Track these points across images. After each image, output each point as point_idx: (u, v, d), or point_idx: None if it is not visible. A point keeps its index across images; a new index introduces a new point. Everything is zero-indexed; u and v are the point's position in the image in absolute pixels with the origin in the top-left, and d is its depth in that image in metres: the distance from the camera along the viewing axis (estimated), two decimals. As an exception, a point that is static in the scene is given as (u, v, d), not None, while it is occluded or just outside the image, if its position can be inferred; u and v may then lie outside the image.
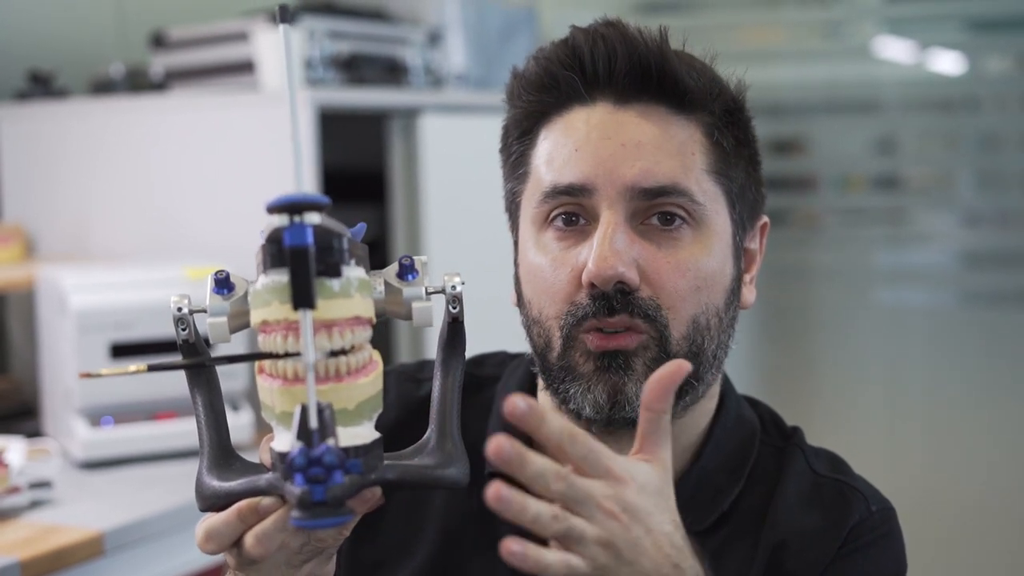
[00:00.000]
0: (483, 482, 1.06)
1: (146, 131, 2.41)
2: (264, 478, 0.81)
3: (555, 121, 1.03)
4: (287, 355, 0.77)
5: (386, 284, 0.84)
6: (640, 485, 0.78)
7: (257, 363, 0.80)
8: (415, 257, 0.85)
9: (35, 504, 1.79)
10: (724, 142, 1.02)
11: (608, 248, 0.96)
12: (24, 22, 2.63)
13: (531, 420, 0.74)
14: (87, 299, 2.02)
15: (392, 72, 2.51)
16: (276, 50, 2.27)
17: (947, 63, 3.21)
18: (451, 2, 2.70)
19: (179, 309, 0.85)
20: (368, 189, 2.59)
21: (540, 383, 1.07)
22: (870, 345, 3.20)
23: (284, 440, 0.78)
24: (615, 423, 0.99)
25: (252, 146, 2.26)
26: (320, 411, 0.74)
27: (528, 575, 0.76)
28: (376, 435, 0.80)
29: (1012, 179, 3.12)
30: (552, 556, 0.75)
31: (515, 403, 0.74)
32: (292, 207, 0.73)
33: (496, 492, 0.73)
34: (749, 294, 1.07)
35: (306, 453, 0.73)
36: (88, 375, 0.79)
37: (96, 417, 2.01)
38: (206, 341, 0.87)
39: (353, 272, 0.77)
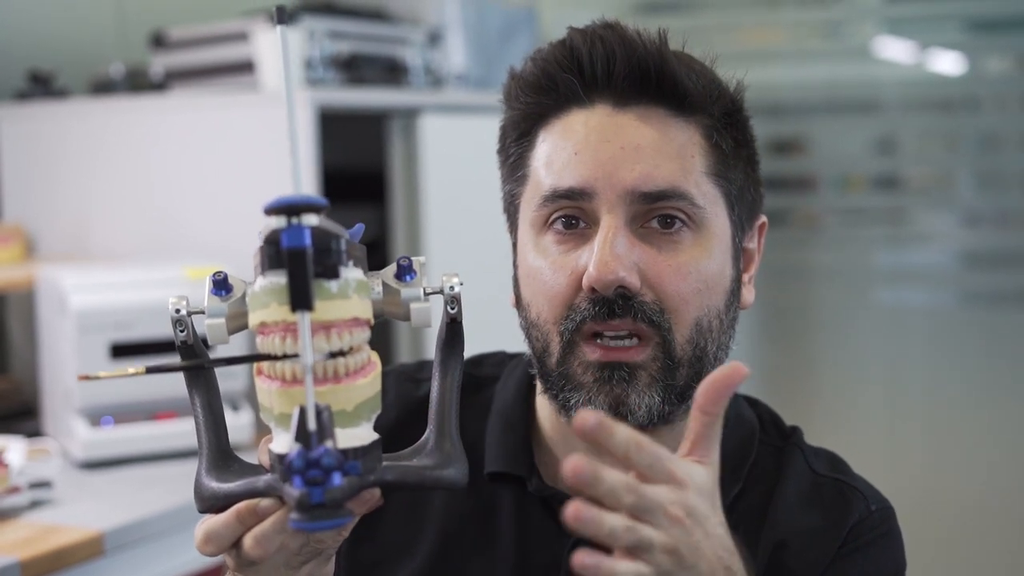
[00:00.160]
0: (482, 482, 1.07)
1: (146, 131, 2.41)
2: (263, 479, 0.81)
3: (553, 123, 1.02)
4: (285, 356, 0.77)
5: (384, 285, 0.84)
6: (698, 488, 0.78)
7: (255, 364, 0.80)
8: (413, 258, 0.85)
9: (35, 504, 1.79)
10: (723, 144, 1.02)
11: (609, 252, 0.96)
12: (24, 22, 2.63)
13: (601, 433, 0.74)
14: (87, 299, 2.02)
15: (392, 72, 2.52)
16: (275, 51, 2.28)
17: (947, 63, 3.21)
18: (451, 2, 2.70)
19: (177, 311, 0.85)
20: (368, 189, 2.59)
21: (539, 386, 1.07)
22: (870, 345, 3.20)
23: (282, 442, 0.78)
24: None
25: (252, 146, 2.26)
26: (318, 413, 0.74)
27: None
28: (375, 436, 0.80)
29: (1012, 179, 3.12)
30: (623, 566, 0.74)
31: (585, 419, 0.73)
32: (289, 209, 0.73)
33: (576, 512, 0.72)
34: (748, 294, 1.07)
35: (304, 455, 0.73)
36: (87, 377, 0.79)
37: (96, 417, 2.01)
38: (204, 342, 0.87)
39: (351, 273, 0.77)
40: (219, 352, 0.84)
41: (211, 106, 2.34)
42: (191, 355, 0.87)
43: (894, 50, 3.22)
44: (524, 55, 1.07)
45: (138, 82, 2.55)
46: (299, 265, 0.73)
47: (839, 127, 3.31)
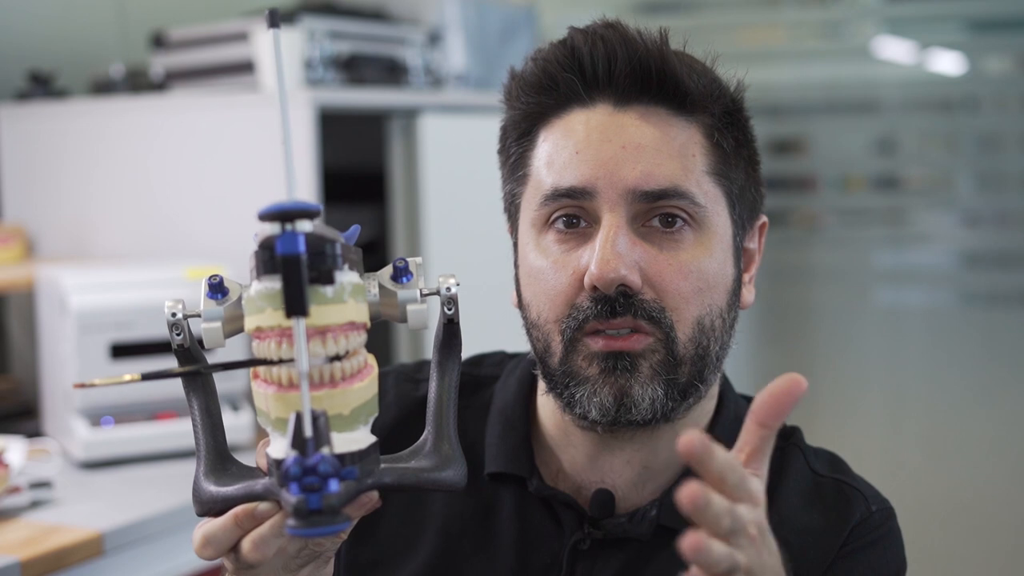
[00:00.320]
0: (482, 482, 1.07)
1: (146, 131, 2.41)
2: (260, 483, 0.81)
3: (554, 123, 1.02)
4: (281, 361, 0.77)
5: (380, 287, 0.84)
6: (762, 505, 0.78)
7: (252, 369, 0.80)
8: (409, 259, 0.85)
9: (35, 504, 1.79)
10: (724, 143, 1.02)
11: (610, 251, 0.96)
12: (25, 22, 2.63)
13: (705, 455, 0.73)
14: (87, 299, 2.02)
15: (392, 72, 2.52)
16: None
17: (947, 63, 3.21)
18: (451, 2, 2.70)
19: (173, 314, 0.85)
20: (368, 189, 2.59)
21: (541, 386, 1.07)
22: (870, 345, 3.20)
23: (280, 446, 0.77)
24: (620, 424, 0.99)
25: (252, 146, 2.26)
26: (314, 419, 0.74)
27: None
28: (372, 439, 0.80)
29: (1012, 179, 3.12)
30: None
31: (693, 442, 0.72)
32: (283, 215, 0.73)
33: (695, 544, 0.72)
34: (748, 294, 1.07)
35: (301, 462, 0.73)
36: (82, 385, 0.79)
37: (96, 417, 2.02)
38: (200, 343, 0.87)
39: (346, 277, 0.77)
40: (216, 354, 0.84)
41: (211, 106, 2.34)
42: (188, 358, 0.87)
43: (894, 50, 3.22)
44: (524, 55, 1.07)
45: (138, 82, 2.55)
46: (294, 272, 0.73)
47: (839, 127, 3.30)
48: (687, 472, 1.04)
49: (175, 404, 2.03)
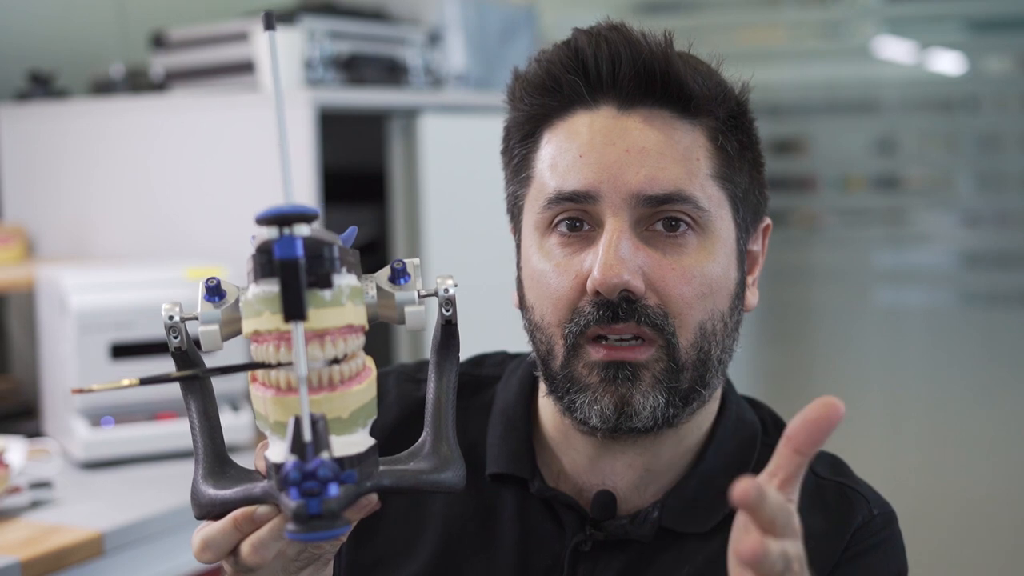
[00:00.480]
0: (483, 482, 1.07)
1: (146, 131, 2.41)
2: (259, 486, 0.81)
3: (558, 125, 1.02)
4: (279, 365, 0.77)
5: (378, 289, 0.84)
6: (800, 534, 0.77)
7: (250, 372, 0.79)
8: (407, 260, 0.85)
9: (35, 504, 1.79)
10: (728, 147, 1.01)
11: (613, 256, 0.96)
12: (24, 22, 2.63)
13: (760, 503, 0.72)
14: (87, 299, 2.02)
15: (392, 72, 2.51)
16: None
17: (947, 63, 3.21)
18: (451, 2, 2.70)
19: (170, 317, 0.85)
20: (368, 189, 2.59)
21: (542, 388, 1.06)
22: (870, 345, 3.20)
23: (278, 449, 0.77)
24: (621, 431, 0.99)
25: (252, 146, 2.26)
26: (313, 423, 0.74)
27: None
28: (371, 442, 0.79)
29: (1012, 179, 3.11)
30: None
31: (747, 492, 0.71)
32: (281, 219, 0.73)
33: None
34: (752, 296, 1.07)
35: (300, 467, 0.73)
36: (80, 391, 0.79)
37: (96, 417, 2.01)
38: (197, 345, 0.86)
39: (344, 280, 0.77)
40: (214, 356, 0.84)
41: (211, 106, 2.34)
42: (185, 361, 0.87)
43: (894, 50, 3.22)
44: (524, 55, 1.07)
45: (138, 82, 2.55)
46: (292, 276, 0.72)
47: (839, 127, 3.30)
48: (689, 473, 1.05)
49: (175, 404, 2.03)
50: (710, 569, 1.00)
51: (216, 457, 0.86)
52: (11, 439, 1.85)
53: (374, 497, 0.81)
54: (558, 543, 1.04)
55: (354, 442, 0.78)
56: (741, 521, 0.75)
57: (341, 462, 0.75)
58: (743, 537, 0.73)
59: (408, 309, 0.84)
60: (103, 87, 2.56)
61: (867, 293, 3.25)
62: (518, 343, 1.11)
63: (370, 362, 0.82)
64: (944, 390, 3.10)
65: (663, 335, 0.98)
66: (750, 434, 1.08)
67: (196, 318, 0.83)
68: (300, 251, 0.73)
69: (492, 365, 1.16)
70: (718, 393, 1.07)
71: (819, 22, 3.41)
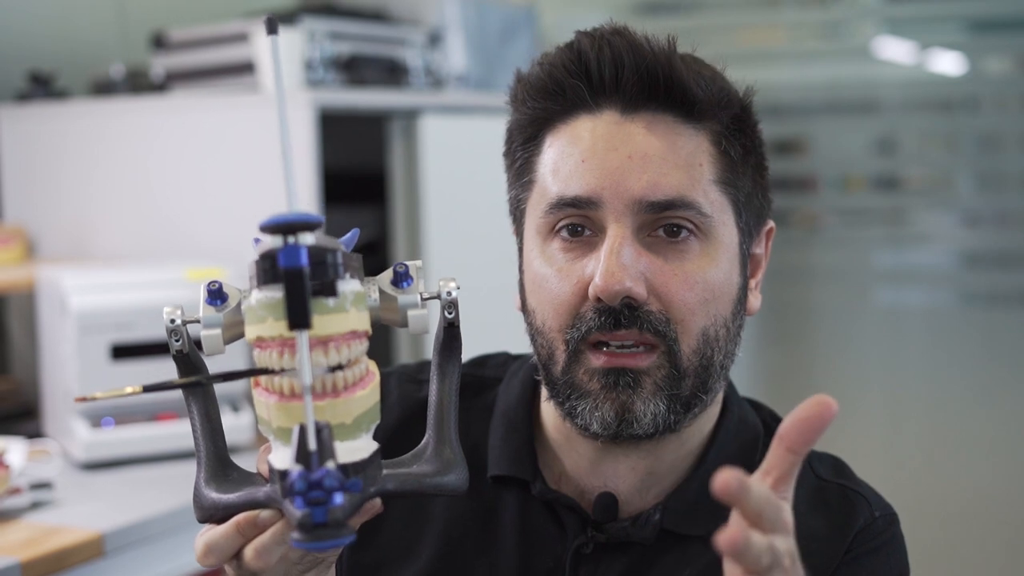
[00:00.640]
0: (484, 484, 1.07)
1: (146, 132, 2.41)
2: (263, 491, 0.81)
3: (560, 129, 1.02)
4: (283, 371, 0.77)
5: (381, 292, 0.84)
6: (792, 530, 0.77)
7: (252, 377, 0.79)
8: (409, 263, 0.85)
9: (36, 505, 1.79)
10: (731, 151, 1.01)
11: (615, 263, 0.96)
12: (25, 23, 2.63)
13: (743, 495, 0.72)
14: (88, 300, 2.02)
15: (392, 73, 2.51)
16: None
17: (947, 63, 3.21)
18: (451, 3, 2.70)
19: (172, 320, 0.85)
20: (368, 190, 2.59)
21: (544, 392, 1.06)
22: (870, 345, 3.20)
23: (282, 455, 0.77)
24: (622, 438, 0.99)
25: (252, 147, 2.26)
26: (318, 431, 0.73)
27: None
28: (374, 446, 0.79)
29: (1012, 179, 3.12)
30: None
31: (728, 482, 0.71)
32: (286, 228, 0.72)
33: None
34: (755, 300, 1.07)
35: (306, 477, 0.72)
36: (83, 399, 0.78)
37: (97, 418, 2.01)
38: (198, 345, 0.86)
39: (348, 286, 0.77)
40: (215, 359, 0.84)
41: (211, 107, 2.34)
42: (187, 364, 0.87)
43: (894, 50, 3.22)
44: (524, 55, 1.07)
45: (138, 83, 2.55)
46: (297, 285, 0.72)
47: (839, 127, 3.30)
48: (691, 475, 1.05)
49: (176, 405, 2.03)
50: (711, 572, 1.00)
51: (218, 460, 0.86)
52: (11, 440, 1.85)
53: (378, 501, 0.81)
54: (559, 545, 1.04)
55: (358, 447, 0.78)
56: (734, 517, 0.75)
57: (346, 469, 0.74)
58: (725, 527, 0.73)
59: (411, 313, 0.84)
60: (103, 88, 2.56)
61: (867, 293, 3.25)
62: (519, 344, 1.11)
63: (373, 366, 0.81)
64: (944, 390, 3.10)
65: (665, 341, 0.97)
66: (752, 436, 1.08)
67: (198, 321, 0.83)
68: (305, 260, 0.72)
69: (494, 366, 1.16)
70: (720, 396, 1.07)
71: (819, 23, 3.41)
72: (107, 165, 2.44)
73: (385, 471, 0.81)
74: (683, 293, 0.98)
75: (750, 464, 1.06)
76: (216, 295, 0.82)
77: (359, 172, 2.64)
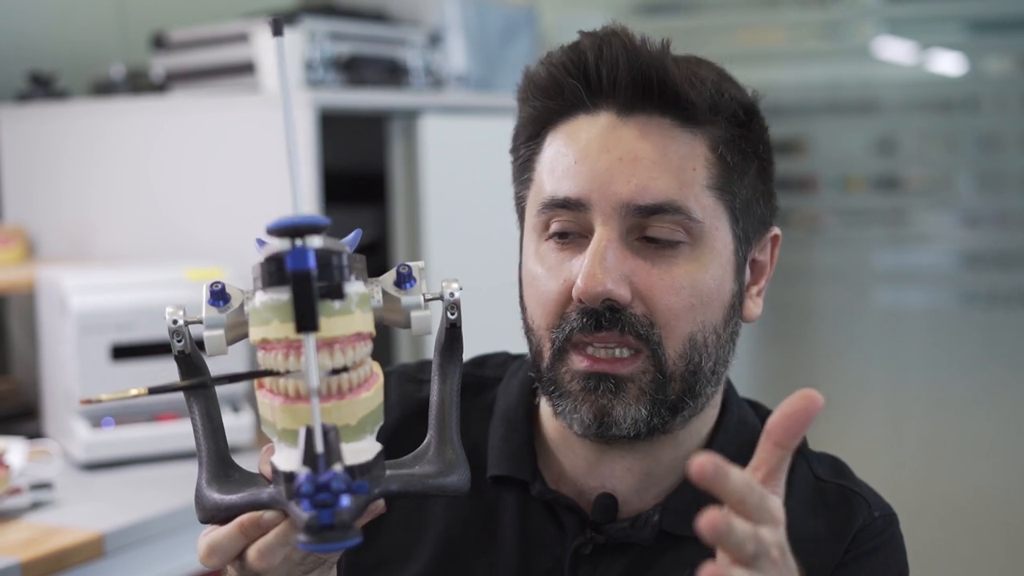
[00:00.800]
0: (484, 485, 1.07)
1: (147, 132, 2.41)
2: (266, 492, 0.81)
3: (560, 128, 1.02)
4: (288, 373, 0.77)
5: (384, 293, 0.84)
6: (783, 524, 0.77)
7: (257, 379, 0.79)
8: (412, 264, 0.85)
9: (36, 505, 1.79)
10: (729, 157, 1.00)
11: (597, 265, 0.96)
12: (25, 23, 2.63)
13: (719, 480, 0.72)
14: (88, 300, 2.02)
15: (392, 73, 2.52)
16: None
17: (947, 64, 3.21)
18: (451, 3, 2.70)
19: (175, 321, 0.85)
20: (368, 190, 2.59)
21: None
22: (870, 346, 3.20)
23: (286, 456, 0.77)
24: (605, 438, 1.00)
25: (253, 147, 2.26)
26: (325, 433, 0.73)
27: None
28: (378, 447, 0.79)
29: (1012, 180, 3.12)
30: None
31: (703, 466, 0.71)
32: (294, 230, 0.72)
33: (711, 573, 0.71)
34: (755, 307, 1.06)
35: (313, 479, 0.73)
36: (88, 401, 0.78)
37: (97, 418, 2.01)
38: (200, 346, 0.86)
39: (353, 287, 0.77)
40: (217, 360, 0.84)
41: (212, 107, 2.34)
42: (189, 365, 0.87)
43: (894, 51, 3.22)
44: (525, 56, 1.07)
45: (139, 83, 2.55)
46: (304, 287, 0.72)
47: (839, 127, 3.31)
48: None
49: (176, 405, 2.03)
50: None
51: (220, 461, 0.86)
52: (12, 440, 1.85)
53: (381, 502, 0.81)
54: (559, 546, 1.04)
55: (363, 449, 0.78)
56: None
57: (352, 471, 0.74)
58: None
59: (414, 314, 0.84)
60: (103, 88, 2.56)
61: (867, 293, 3.25)
62: (519, 344, 1.11)
63: (377, 368, 0.82)
64: (944, 390, 3.10)
65: (648, 345, 0.97)
66: (751, 437, 1.08)
67: (200, 322, 0.83)
68: (313, 263, 0.72)
69: (494, 366, 1.16)
70: (718, 399, 1.07)
71: (819, 23, 3.41)
72: (107, 165, 2.44)
73: (388, 472, 0.81)
74: (668, 298, 0.97)
75: (749, 465, 1.06)
76: (219, 296, 0.82)
77: (359, 172, 2.64)
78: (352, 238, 0.83)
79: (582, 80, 1.00)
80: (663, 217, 0.97)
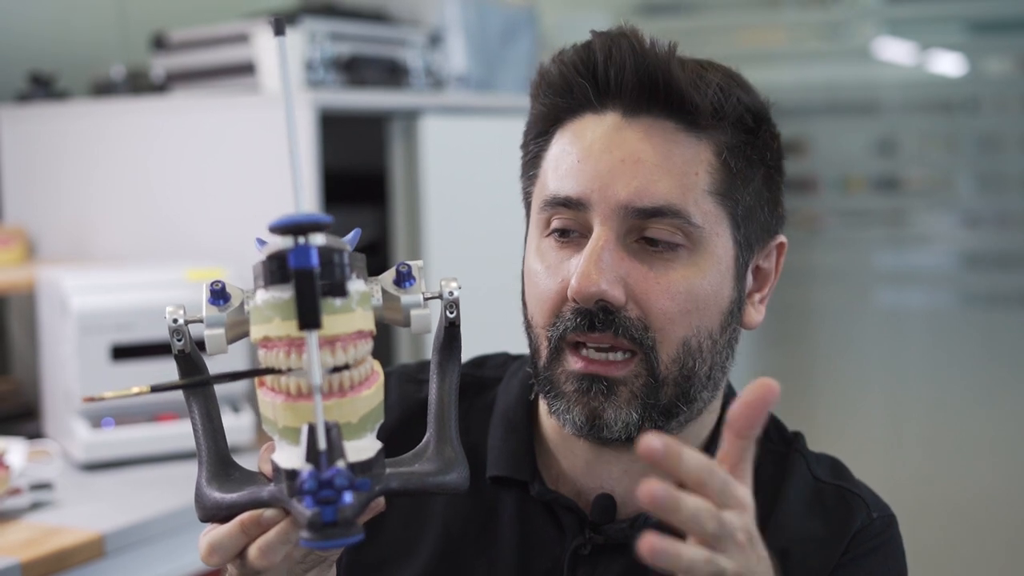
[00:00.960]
0: (483, 485, 1.07)
1: (147, 133, 2.41)
2: (267, 490, 0.81)
3: (568, 126, 1.02)
4: (290, 371, 0.77)
5: (383, 291, 0.84)
6: (751, 510, 0.77)
7: (258, 377, 0.79)
8: (411, 262, 0.85)
9: (36, 506, 1.79)
10: (733, 163, 1.00)
11: (593, 265, 0.96)
12: (25, 24, 2.63)
13: (670, 460, 0.72)
14: (88, 301, 2.02)
15: (393, 74, 2.52)
16: (274, 60, 2.28)
17: (947, 64, 3.22)
18: (451, 3, 2.70)
19: (175, 320, 0.85)
20: (369, 191, 2.59)
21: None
22: (870, 346, 3.20)
23: (288, 454, 0.77)
24: (597, 440, 1.00)
25: (253, 148, 2.27)
26: (328, 431, 0.74)
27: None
28: (379, 445, 0.80)
29: (1012, 180, 3.12)
30: None
31: (650, 444, 0.71)
32: (297, 228, 0.73)
33: (650, 546, 0.70)
34: (756, 314, 1.05)
35: (316, 476, 0.73)
36: (91, 399, 0.78)
37: (97, 419, 2.02)
38: (200, 346, 0.86)
39: (354, 286, 0.77)
40: (217, 359, 0.84)
41: (212, 108, 2.34)
42: (189, 364, 0.87)
43: (894, 51, 3.22)
44: (525, 56, 1.07)
45: (139, 84, 2.55)
46: (307, 285, 0.73)
47: (839, 128, 3.31)
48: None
49: (176, 405, 2.03)
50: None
51: (220, 459, 0.86)
52: (12, 440, 1.85)
53: (382, 500, 0.81)
54: (558, 546, 1.04)
55: (364, 447, 0.78)
56: None
57: (354, 468, 0.75)
58: None
59: (414, 312, 0.84)
60: (104, 88, 2.56)
61: (868, 294, 3.25)
62: (519, 344, 1.11)
63: (377, 366, 0.82)
64: (945, 391, 3.10)
65: (642, 348, 0.97)
66: (751, 438, 1.08)
67: (200, 321, 0.83)
68: (315, 261, 0.73)
69: (494, 367, 1.17)
70: (716, 404, 1.07)
71: (819, 23, 3.41)
72: (107, 165, 2.44)
73: (388, 470, 0.81)
74: (663, 301, 0.97)
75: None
76: (219, 295, 0.82)
77: (359, 172, 2.64)
78: (351, 237, 0.83)
79: (590, 80, 1.00)
80: (662, 220, 0.97)
